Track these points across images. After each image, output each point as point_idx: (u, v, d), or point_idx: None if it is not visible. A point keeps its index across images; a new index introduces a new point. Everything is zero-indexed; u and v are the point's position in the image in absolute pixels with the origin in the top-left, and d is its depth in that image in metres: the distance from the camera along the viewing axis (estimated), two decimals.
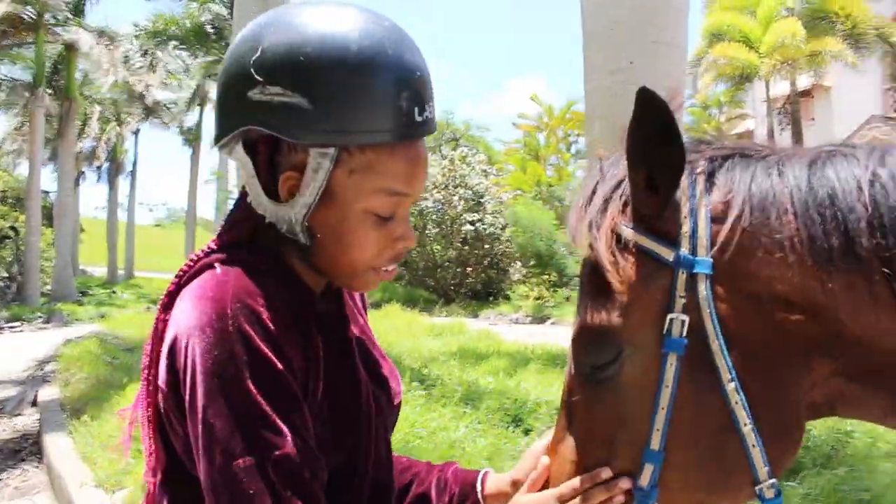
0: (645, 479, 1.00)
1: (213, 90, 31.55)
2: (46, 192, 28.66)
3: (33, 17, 24.19)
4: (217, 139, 1.11)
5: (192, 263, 1.12)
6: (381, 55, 1.02)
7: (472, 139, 36.49)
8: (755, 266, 0.96)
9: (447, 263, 26.21)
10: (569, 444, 1.10)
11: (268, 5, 10.02)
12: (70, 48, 25.27)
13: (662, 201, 1.01)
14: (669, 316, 0.99)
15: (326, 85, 1.00)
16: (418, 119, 1.05)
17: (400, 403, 1.28)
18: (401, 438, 5.20)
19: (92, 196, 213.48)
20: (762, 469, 0.97)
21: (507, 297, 25.19)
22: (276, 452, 0.95)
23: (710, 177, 1.03)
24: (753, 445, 0.96)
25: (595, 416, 1.06)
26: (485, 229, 25.60)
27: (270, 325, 0.99)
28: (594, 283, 1.05)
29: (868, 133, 18.28)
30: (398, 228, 1.10)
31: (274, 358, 0.98)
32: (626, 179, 1.05)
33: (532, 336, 13.19)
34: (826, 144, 1.04)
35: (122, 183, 40.78)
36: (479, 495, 1.31)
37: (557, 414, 1.16)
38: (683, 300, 0.98)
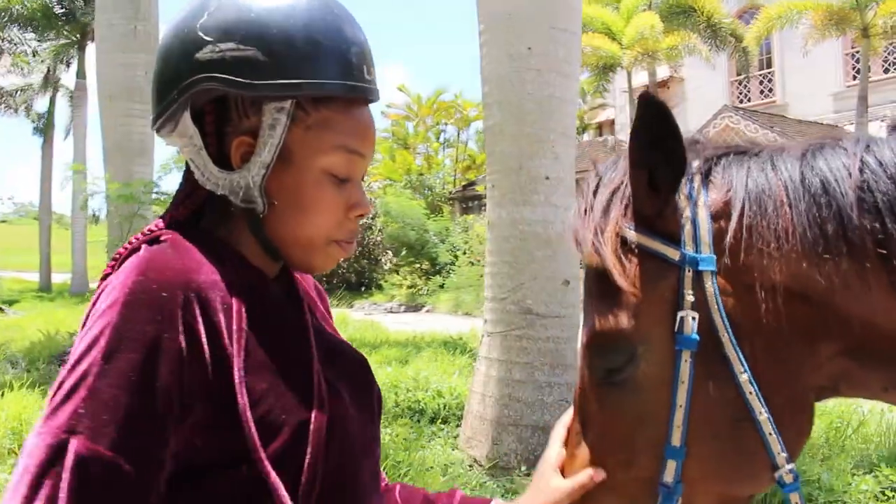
0: (669, 476, 1.01)
1: (64, 76, 29.73)
2: None
3: None
4: (156, 119, 1.07)
5: (128, 246, 1.03)
6: (329, 12, 1.05)
7: None
8: (756, 259, 0.99)
9: None
10: (587, 449, 1.11)
11: None
12: None
13: (664, 201, 1.03)
14: (679, 314, 1.00)
15: (279, 37, 1.00)
16: (367, 77, 1.07)
17: (380, 396, 1.19)
18: None
19: None
20: (780, 455, 0.99)
21: (380, 287, 25.19)
22: (88, 445, 0.82)
23: (707, 175, 1.05)
24: (770, 433, 0.98)
25: (612, 418, 1.07)
26: None
27: (176, 308, 0.90)
28: (601, 287, 1.06)
29: (721, 122, 19.36)
30: (354, 194, 1.08)
31: (158, 345, 0.88)
32: (626, 182, 1.07)
33: (409, 324, 13.21)
34: (813, 139, 1.08)
35: None
36: None
37: (570, 421, 1.17)
38: (691, 297, 1.00)
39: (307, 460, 0.95)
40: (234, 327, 0.95)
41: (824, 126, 21.53)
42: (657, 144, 1.00)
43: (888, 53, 22.54)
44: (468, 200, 29.20)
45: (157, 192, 9.79)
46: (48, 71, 27.58)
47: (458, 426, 5.84)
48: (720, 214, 1.02)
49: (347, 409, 1.05)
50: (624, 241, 1.04)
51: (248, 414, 0.91)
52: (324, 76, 1.02)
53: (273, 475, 0.92)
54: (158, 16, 10.09)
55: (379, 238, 26.21)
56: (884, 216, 0.94)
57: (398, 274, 25.26)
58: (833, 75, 23.34)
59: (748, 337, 0.99)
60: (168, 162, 34.57)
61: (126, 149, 9.67)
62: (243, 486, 0.93)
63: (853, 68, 22.89)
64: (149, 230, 1.05)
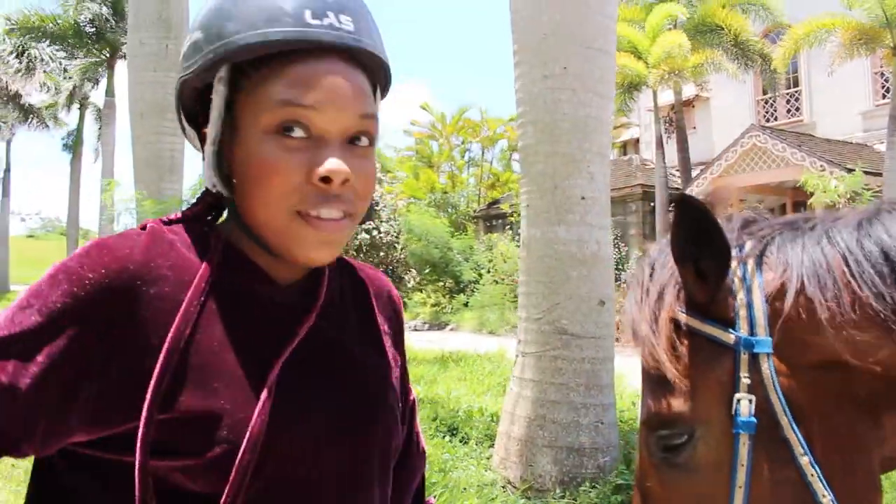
0: None
1: (93, 93, 30.14)
2: None
3: None
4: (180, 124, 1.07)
5: None
6: None
7: None
8: (815, 337, 0.98)
9: None
10: None
11: None
12: None
13: (713, 289, 1.04)
14: (736, 396, 1.00)
15: (214, 11, 0.97)
16: (311, 21, 0.94)
17: (389, 432, 1.08)
18: None
19: None
20: None
21: (404, 305, 25.14)
22: None
23: (761, 256, 1.05)
24: None
25: (671, 497, 1.07)
26: (380, 237, 25.49)
27: (99, 289, 0.88)
28: (658, 370, 1.06)
29: (748, 141, 19.20)
30: (318, 155, 0.93)
31: (62, 317, 0.87)
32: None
33: (433, 342, 13.16)
34: (868, 205, 1.08)
35: None
36: None
37: (632, 496, 1.17)
38: (748, 380, 1.00)
39: (233, 476, 0.88)
40: (175, 321, 0.90)
41: (853, 145, 21.30)
42: (698, 240, 1.01)
43: None
44: (492, 219, 29.15)
45: None
46: (74, 88, 27.92)
47: (490, 447, 5.79)
48: (775, 295, 1.01)
49: (296, 430, 0.95)
50: (678, 326, 1.05)
51: (151, 406, 0.87)
52: (249, 26, 0.93)
53: (139, 478, 0.87)
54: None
55: (402, 256, 26.22)
56: None
57: (422, 292, 25.24)
58: (862, 94, 23.11)
59: (808, 417, 0.99)
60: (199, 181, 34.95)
61: (156, 165, 9.77)
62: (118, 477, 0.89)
63: (882, 87, 22.68)
64: (149, 221, 1.01)
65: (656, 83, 19.99)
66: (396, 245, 25.65)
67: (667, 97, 23.35)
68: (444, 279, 25.70)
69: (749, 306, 1.02)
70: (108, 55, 26.54)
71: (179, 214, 1.04)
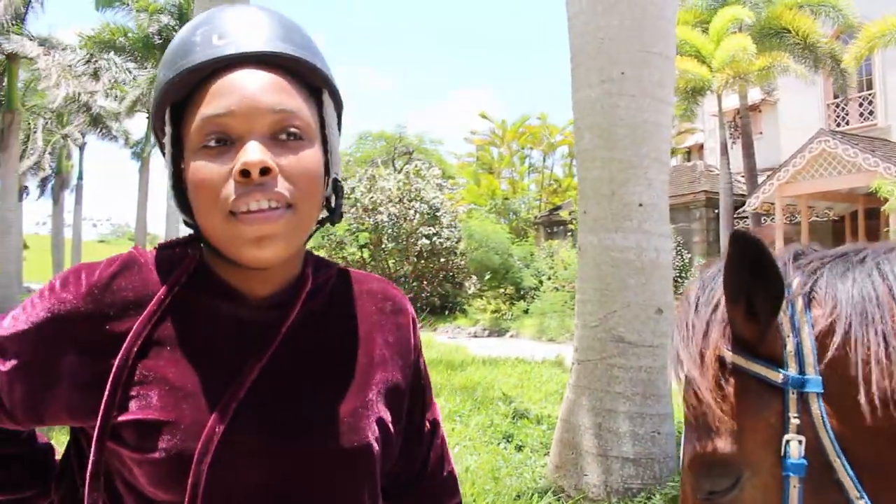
0: None
1: None
2: None
3: None
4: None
5: None
6: (209, 16, 1.06)
7: (426, 152, 36.45)
8: (867, 374, 0.94)
9: (403, 278, 26.08)
10: None
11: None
12: (12, 58, 24.51)
13: (763, 328, 1.00)
14: (785, 437, 0.97)
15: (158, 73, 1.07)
16: (217, 43, 1.01)
17: (369, 455, 1.08)
18: None
19: (32, 212, 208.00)
20: None
21: (464, 311, 25.20)
22: None
23: (810, 292, 1.02)
24: None
25: None
26: (441, 243, 25.59)
27: (70, 309, 1.02)
28: (703, 409, 1.03)
29: (817, 147, 18.70)
30: (239, 157, 0.97)
31: (42, 328, 1.02)
32: (722, 303, 1.04)
33: (492, 349, 13.13)
34: None
35: (67, 198, 39.83)
36: None
37: None
38: (797, 421, 0.97)
39: (189, 479, 0.95)
40: (133, 333, 1.01)
41: None
42: (752, 278, 0.98)
43: None
44: (553, 225, 29.03)
45: None
46: (140, 95, 28.70)
47: (546, 454, 5.75)
48: (824, 332, 0.98)
49: (248, 443, 0.99)
50: (724, 365, 1.02)
51: (106, 408, 0.98)
52: (171, 75, 1.02)
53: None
54: None
55: (462, 262, 26.29)
56: None
57: (482, 298, 25.26)
58: None
59: (862, 458, 0.95)
60: None
61: None
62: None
63: None
64: (134, 248, 1.13)
65: (720, 87, 19.66)
66: (457, 251, 25.78)
67: (732, 102, 22.92)
68: (505, 286, 25.69)
69: (798, 345, 0.98)
70: None
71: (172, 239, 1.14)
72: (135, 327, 1.01)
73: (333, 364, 1.10)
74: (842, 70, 19.69)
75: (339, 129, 1.15)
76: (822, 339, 0.98)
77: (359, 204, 25.89)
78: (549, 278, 21.67)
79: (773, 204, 20.32)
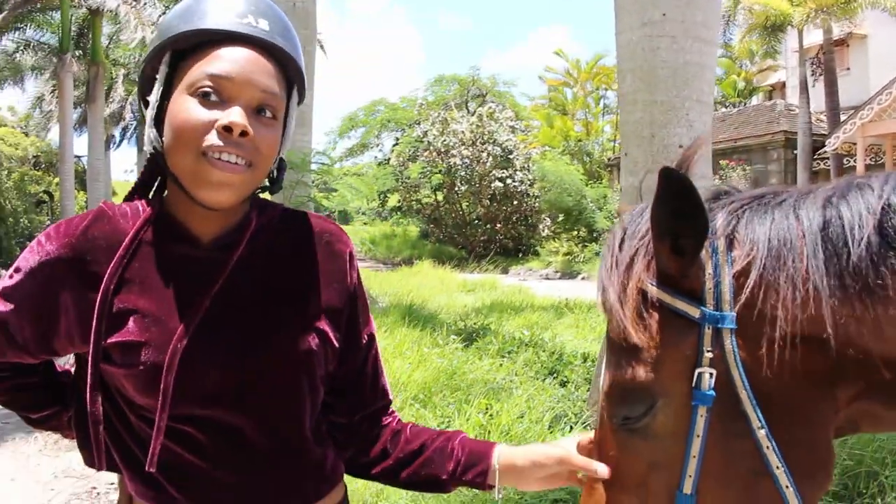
0: None
1: None
2: (78, 157, 29.02)
3: None
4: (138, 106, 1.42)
5: None
6: None
7: (499, 95, 36.14)
8: (776, 313, 1.00)
9: (476, 220, 26.28)
10: (604, 488, 1.16)
11: None
12: (95, 12, 25.31)
13: (687, 264, 1.05)
14: (698, 370, 1.03)
15: (169, 15, 1.27)
16: (236, 19, 1.22)
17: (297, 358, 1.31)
18: (440, 389, 5.35)
19: (120, 160, 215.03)
20: None
21: (537, 253, 25.27)
22: None
23: (730, 231, 1.06)
24: (787, 486, 1.01)
25: (628, 462, 1.12)
26: (514, 185, 25.60)
27: (61, 250, 1.26)
28: (622, 338, 1.09)
29: None
30: (228, 114, 1.18)
31: (41, 269, 1.26)
32: (647, 236, 1.09)
33: (562, 291, 13.26)
34: (842, 180, 1.08)
35: None
36: (495, 465, 1.38)
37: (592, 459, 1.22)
38: (710, 355, 1.02)
39: (161, 387, 1.20)
40: (109, 272, 1.24)
41: None
42: (679, 215, 1.00)
43: None
44: None
45: (317, 162, 10.30)
46: None
47: (588, 390, 5.95)
48: (742, 271, 1.03)
49: (206, 353, 1.23)
50: (646, 297, 1.07)
51: (96, 334, 1.22)
52: (185, 27, 1.22)
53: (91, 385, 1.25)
54: None
55: (535, 204, 26.24)
56: None
57: (555, 240, 25.25)
58: None
59: (766, 392, 1.01)
60: (333, 129, 36.07)
61: None
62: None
63: None
64: (103, 202, 1.38)
65: (801, 22, 18.91)
66: (529, 193, 25.74)
67: (816, 37, 22.02)
68: (578, 228, 25.58)
69: (716, 282, 1.03)
70: None
71: (134, 185, 1.40)
72: (109, 268, 1.24)
73: (277, 288, 1.33)
74: None
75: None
76: (739, 279, 1.02)
77: (431, 147, 26.05)
78: None
79: (854, 144, 19.61)
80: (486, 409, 5.05)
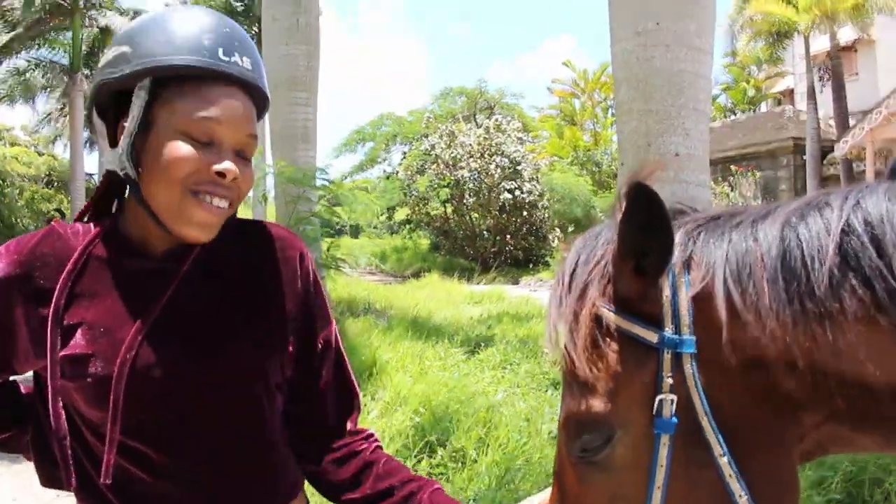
0: None
1: None
2: (90, 175, 29.21)
3: (69, 2, 24.55)
4: (86, 119, 1.38)
5: None
6: (190, 13, 1.27)
7: (507, 107, 36.20)
8: (737, 338, 0.97)
9: (485, 232, 26.27)
10: None
11: None
12: (105, 32, 25.56)
13: (649, 286, 1.02)
14: (658, 397, 0.99)
15: (141, 32, 1.25)
16: (223, 58, 1.23)
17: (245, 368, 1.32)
18: (441, 402, 5.34)
19: None
20: None
21: (547, 264, 25.21)
22: None
23: (689, 253, 1.03)
24: None
25: (588, 494, 1.07)
26: (523, 197, 25.58)
27: (13, 268, 1.26)
28: (576, 369, 1.05)
29: None
30: (220, 158, 1.23)
31: None
32: (606, 260, 1.06)
33: None
34: (804, 198, 1.04)
35: None
36: None
37: (552, 487, 1.18)
38: (670, 380, 0.99)
39: (111, 397, 1.20)
40: (59, 287, 1.25)
41: None
42: (646, 232, 0.98)
43: None
44: None
45: (322, 178, 10.31)
46: None
47: None
48: (700, 295, 0.99)
49: (155, 364, 1.24)
50: (601, 323, 1.03)
51: (52, 348, 1.23)
52: (174, 51, 1.21)
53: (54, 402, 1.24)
54: (319, 8, 10.60)
55: (545, 215, 26.22)
56: (870, 279, 0.91)
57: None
58: None
59: (729, 418, 0.99)
60: (339, 146, 36.23)
61: (289, 135, 10.17)
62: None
63: None
64: (55, 221, 1.38)
65: (807, 29, 18.86)
66: (539, 205, 25.72)
67: (823, 43, 21.96)
68: None
69: (674, 305, 1.00)
70: (256, 30, 27.92)
71: (85, 207, 1.40)
72: (59, 283, 1.26)
73: (228, 296, 1.34)
74: None
75: None
76: (698, 302, 0.99)
77: (439, 160, 26.09)
78: None
79: (864, 149, 19.50)
80: (485, 422, 5.02)
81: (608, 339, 1.03)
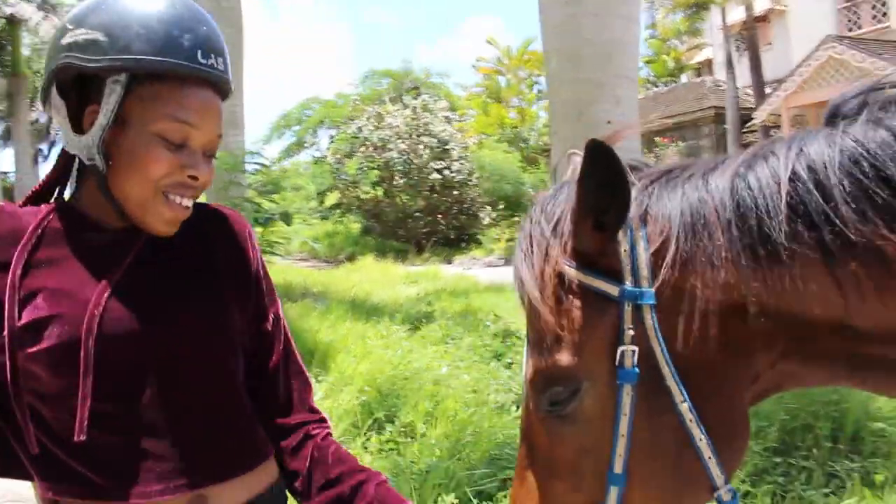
0: (612, 501, 1.05)
1: None
2: (5, 174, 28.16)
3: None
4: (40, 95, 1.33)
5: None
6: (171, 5, 1.25)
7: (433, 86, 36.12)
8: (694, 287, 1.01)
9: (417, 213, 26.26)
10: (534, 476, 1.15)
11: None
12: (12, 22, 24.53)
13: (607, 241, 1.05)
14: (620, 348, 1.03)
15: (119, 22, 1.22)
16: (201, 60, 1.24)
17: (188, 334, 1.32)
18: (386, 380, 5.33)
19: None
20: (719, 477, 1.04)
21: (479, 242, 25.37)
22: None
23: (645, 207, 1.07)
24: (709, 457, 1.03)
25: (557, 448, 1.11)
26: (452, 176, 25.63)
27: None
28: (542, 325, 1.08)
29: (823, 54, 18.37)
30: (190, 159, 1.26)
31: None
32: (566, 217, 1.09)
33: (506, 277, 13.33)
34: (750, 149, 1.08)
35: None
36: None
37: (518, 448, 1.21)
38: (632, 332, 1.03)
39: (81, 353, 1.19)
40: (15, 258, 1.24)
41: None
42: (604, 189, 1.01)
43: None
44: None
45: (255, 162, 10.13)
46: None
47: None
48: (658, 248, 1.03)
49: (119, 329, 1.23)
50: (563, 280, 1.06)
51: (11, 316, 1.21)
52: (153, 52, 1.21)
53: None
54: None
55: (475, 194, 26.34)
56: (817, 223, 0.95)
57: (497, 228, 25.38)
58: None
59: (687, 365, 1.03)
60: (268, 133, 35.70)
61: None
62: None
63: None
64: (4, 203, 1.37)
65: (724, 1, 19.28)
66: (469, 183, 25.82)
67: (740, 13, 22.51)
68: (518, 214, 25.72)
69: (633, 258, 1.03)
70: None
71: (39, 185, 1.40)
72: (15, 255, 1.24)
73: (185, 266, 1.37)
74: None
75: None
76: (656, 255, 1.03)
77: (368, 142, 25.92)
78: None
79: (780, 116, 20.11)
80: (432, 396, 5.04)
81: (571, 295, 1.06)
